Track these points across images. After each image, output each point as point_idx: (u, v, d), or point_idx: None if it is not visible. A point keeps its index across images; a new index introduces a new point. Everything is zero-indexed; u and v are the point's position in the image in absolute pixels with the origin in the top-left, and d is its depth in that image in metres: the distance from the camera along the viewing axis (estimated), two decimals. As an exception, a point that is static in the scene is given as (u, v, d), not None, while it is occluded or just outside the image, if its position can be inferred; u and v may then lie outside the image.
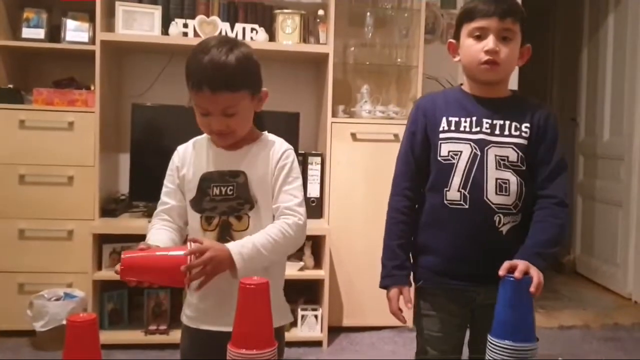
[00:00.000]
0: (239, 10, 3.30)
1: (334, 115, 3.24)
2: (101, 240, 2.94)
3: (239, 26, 3.15)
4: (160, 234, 1.46)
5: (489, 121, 1.52)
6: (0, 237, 2.98)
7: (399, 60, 3.51)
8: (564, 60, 5.19)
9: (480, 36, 1.49)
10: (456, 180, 1.50)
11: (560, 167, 1.53)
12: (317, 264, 3.13)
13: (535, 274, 1.30)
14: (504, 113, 1.53)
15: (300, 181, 1.48)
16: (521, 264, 1.29)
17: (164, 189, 1.53)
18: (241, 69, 1.37)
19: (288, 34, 3.20)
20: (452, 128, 1.53)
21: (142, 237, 1.38)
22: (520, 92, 1.64)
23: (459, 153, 1.51)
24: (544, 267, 1.36)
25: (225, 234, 1.44)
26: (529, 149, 1.51)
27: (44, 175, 2.99)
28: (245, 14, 3.30)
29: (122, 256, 1.26)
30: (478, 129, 1.51)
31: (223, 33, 3.10)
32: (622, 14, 4.17)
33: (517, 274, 1.26)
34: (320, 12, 3.27)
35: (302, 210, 1.44)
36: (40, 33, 3.08)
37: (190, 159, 1.50)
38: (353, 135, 3.24)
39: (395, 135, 3.21)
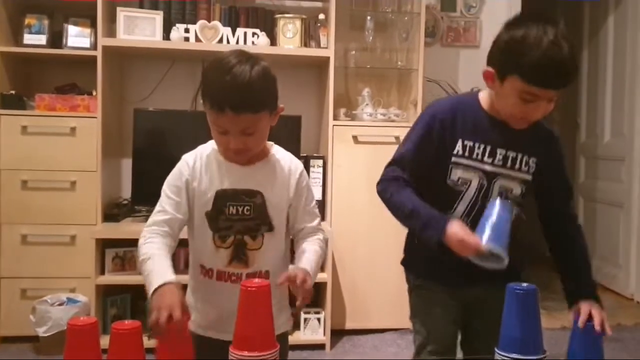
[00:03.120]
0: (240, 15, 3.30)
1: (336, 118, 3.25)
2: (104, 245, 2.94)
3: (240, 31, 3.15)
4: (163, 262, 1.33)
5: (503, 152, 1.49)
6: (4, 242, 2.99)
7: (399, 63, 3.52)
8: (565, 61, 5.18)
9: (529, 100, 1.38)
10: (461, 207, 1.50)
11: (572, 187, 1.62)
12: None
13: (598, 313, 1.33)
14: (517, 142, 1.49)
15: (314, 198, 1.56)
16: (596, 315, 1.33)
17: (166, 200, 1.44)
18: (263, 90, 1.36)
19: (289, 38, 3.21)
20: (466, 154, 1.49)
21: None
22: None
23: (469, 182, 1.49)
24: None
25: (240, 253, 1.44)
26: (534, 182, 1.52)
27: (46, 181, 3.00)
28: (246, 19, 3.31)
29: None
30: (490, 160, 1.49)
31: (224, 38, 3.12)
32: (622, 15, 4.17)
33: (597, 326, 1.32)
34: (321, 16, 3.28)
35: (322, 227, 1.56)
36: (42, 39, 3.09)
37: (201, 172, 1.45)
38: (354, 138, 3.25)
39: (397, 138, 3.21)
